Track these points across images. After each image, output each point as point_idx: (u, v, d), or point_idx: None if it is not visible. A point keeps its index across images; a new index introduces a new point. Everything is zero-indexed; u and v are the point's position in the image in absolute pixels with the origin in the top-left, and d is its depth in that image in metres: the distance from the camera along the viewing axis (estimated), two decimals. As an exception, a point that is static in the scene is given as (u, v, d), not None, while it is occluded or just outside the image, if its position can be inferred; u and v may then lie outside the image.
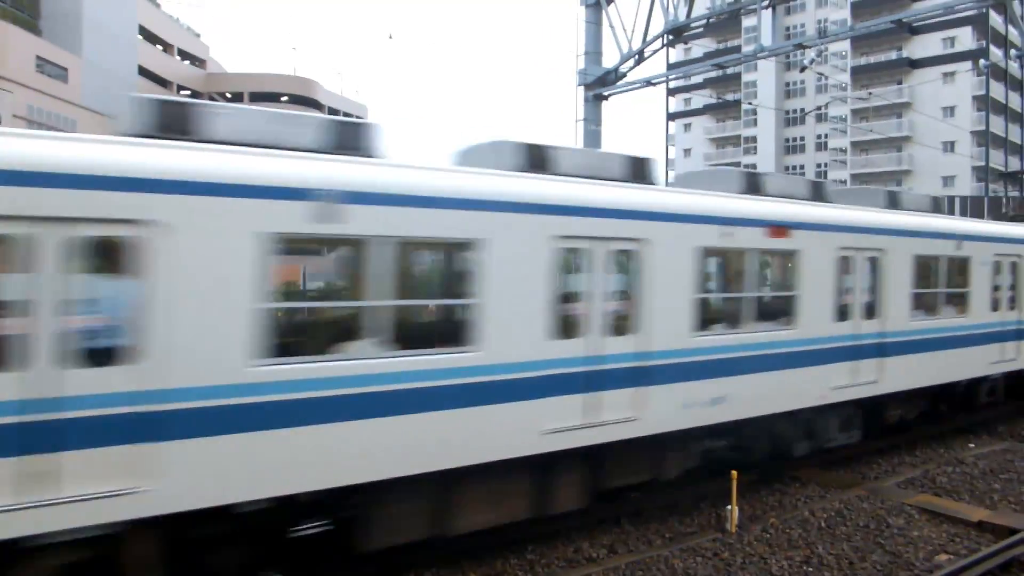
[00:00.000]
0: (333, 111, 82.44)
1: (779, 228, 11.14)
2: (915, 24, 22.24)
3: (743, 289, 10.96)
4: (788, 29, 74.93)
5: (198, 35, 76.89)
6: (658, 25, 22.42)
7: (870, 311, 12.77)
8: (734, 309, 10.98)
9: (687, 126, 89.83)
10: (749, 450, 11.61)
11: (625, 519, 10.58)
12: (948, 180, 68.31)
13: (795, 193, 12.41)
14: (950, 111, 68.28)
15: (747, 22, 70.76)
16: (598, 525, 10.32)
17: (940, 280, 14.23)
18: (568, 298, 9.22)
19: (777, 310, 11.58)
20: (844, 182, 74.59)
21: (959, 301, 14.78)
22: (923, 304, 13.87)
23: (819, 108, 71.76)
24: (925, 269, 13.87)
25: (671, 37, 22.66)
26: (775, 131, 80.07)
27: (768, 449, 11.87)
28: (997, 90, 71.08)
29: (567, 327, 9.07)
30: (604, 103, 23.60)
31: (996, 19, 69.92)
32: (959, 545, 9.91)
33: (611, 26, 23.12)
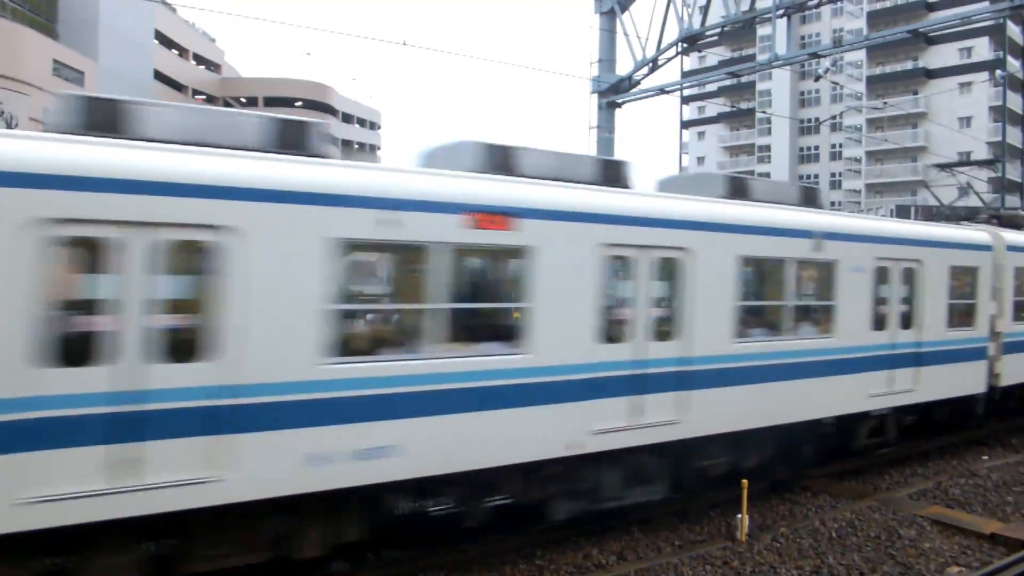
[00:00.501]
0: (347, 116, 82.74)
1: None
2: (931, 34, 22.15)
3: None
4: (803, 38, 74.80)
5: (213, 40, 77.38)
6: (672, 33, 22.44)
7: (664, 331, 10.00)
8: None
9: (701, 134, 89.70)
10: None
11: (635, 526, 10.55)
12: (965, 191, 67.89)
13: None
14: (966, 121, 67.95)
15: (762, 31, 70.69)
16: (607, 532, 10.30)
17: (787, 290, 11.35)
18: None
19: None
20: (858, 192, 74.32)
21: (821, 316, 11.93)
22: (758, 321, 11.20)
23: (834, 117, 71.54)
24: (762, 275, 11.47)
25: (685, 45, 22.66)
26: (789, 140, 79.89)
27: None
28: (1014, 101, 70.61)
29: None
30: (618, 111, 23.60)
31: (1013, 29, 69.57)
32: (971, 557, 9.84)
33: (625, 34, 23.14)
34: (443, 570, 8.93)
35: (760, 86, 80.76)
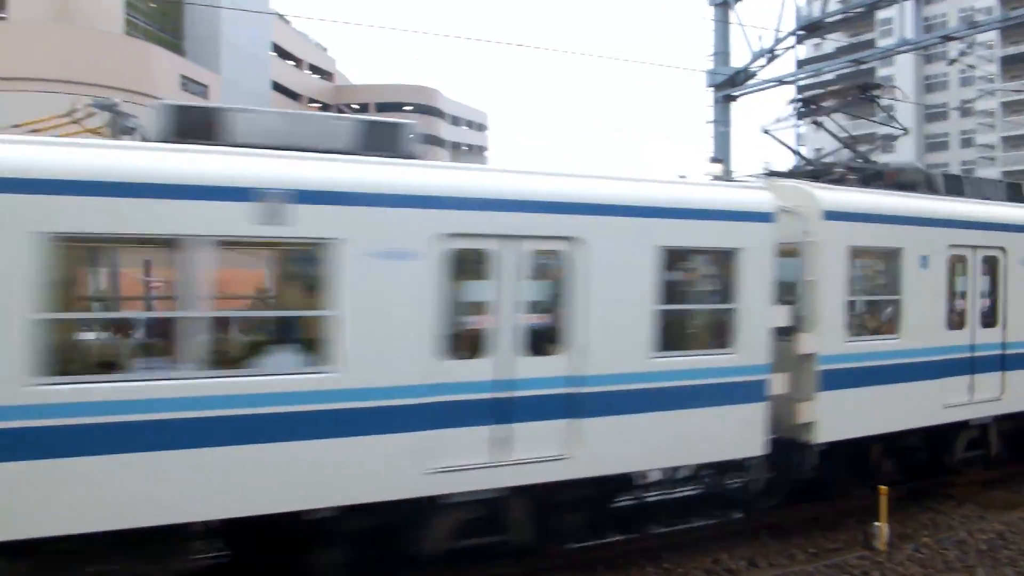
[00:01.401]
0: (455, 119, 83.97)
1: None
2: (1076, 8, 20.56)
3: None
4: (927, 19, 71.09)
5: (325, 49, 79.80)
6: (790, 21, 21.64)
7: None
8: None
9: (818, 124, 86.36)
10: None
11: (764, 531, 10.18)
12: (1110, 176, 63.09)
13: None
14: (1112, 102, 63.01)
15: (882, 14, 67.55)
16: (735, 536, 9.97)
17: None
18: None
19: None
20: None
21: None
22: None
23: (965, 102, 67.64)
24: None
25: (803, 33, 21.82)
26: (915, 128, 76.01)
27: None
28: None
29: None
30: (734, 104, 22.95)
31: None
32: None
33: (740, 24, 22.49)
34: (569, 568, 8.84)
35: (882, 72, 77.21)
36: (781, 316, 9.30)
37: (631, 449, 8.42)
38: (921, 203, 10.79)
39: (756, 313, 9.02)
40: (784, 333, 9.42)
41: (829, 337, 9.70)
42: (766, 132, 13.07)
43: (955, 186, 11.87)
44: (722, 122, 22.70)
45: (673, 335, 8.67)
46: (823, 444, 9.74)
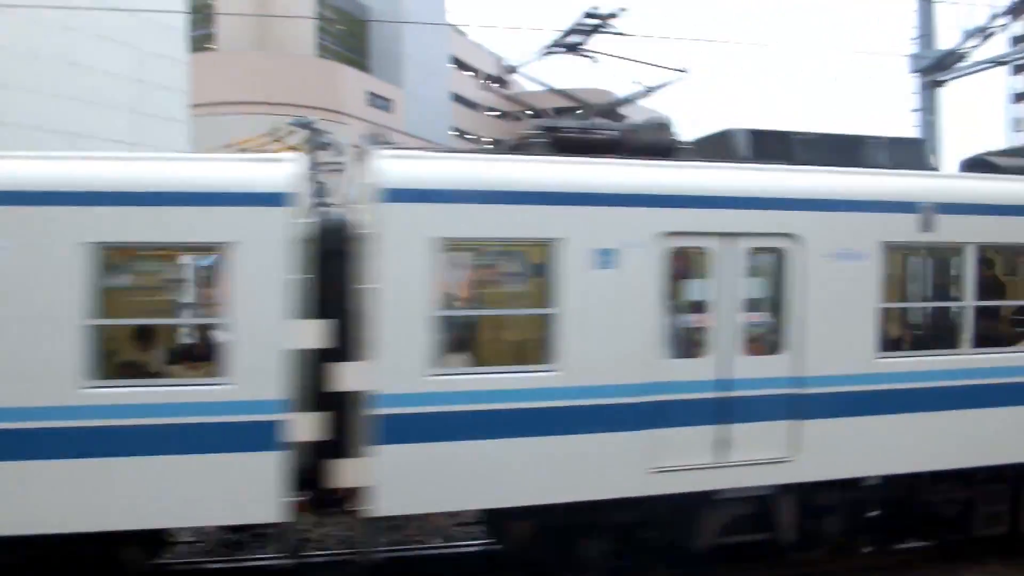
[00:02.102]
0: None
1: None
2: None
3: None
4: None
5: (500, 58, 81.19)
6: (1007, -6, 19.46)
7: None
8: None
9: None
10: None
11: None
12: None
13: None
14: None
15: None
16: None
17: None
18: None
19: None
20: None
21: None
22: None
23: None
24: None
25: (1020, 6, 19.59)
26: None
27: None
28: None
29: None
30: (941, 89, 20.95)
31: None
32: None
33: (948, 2, 20.53)
34: None
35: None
36: (308, 335, 6.83)
37: None
38: (597, 171, 7.58)
39: (261, 329, 6.70)
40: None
41: (399, 368, 6.91)
42: None
43: (770, 148, 8.48)
44: (929, 110, 20.80)
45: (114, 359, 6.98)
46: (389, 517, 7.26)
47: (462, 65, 69.62)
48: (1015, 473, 8.82)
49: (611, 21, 9.04)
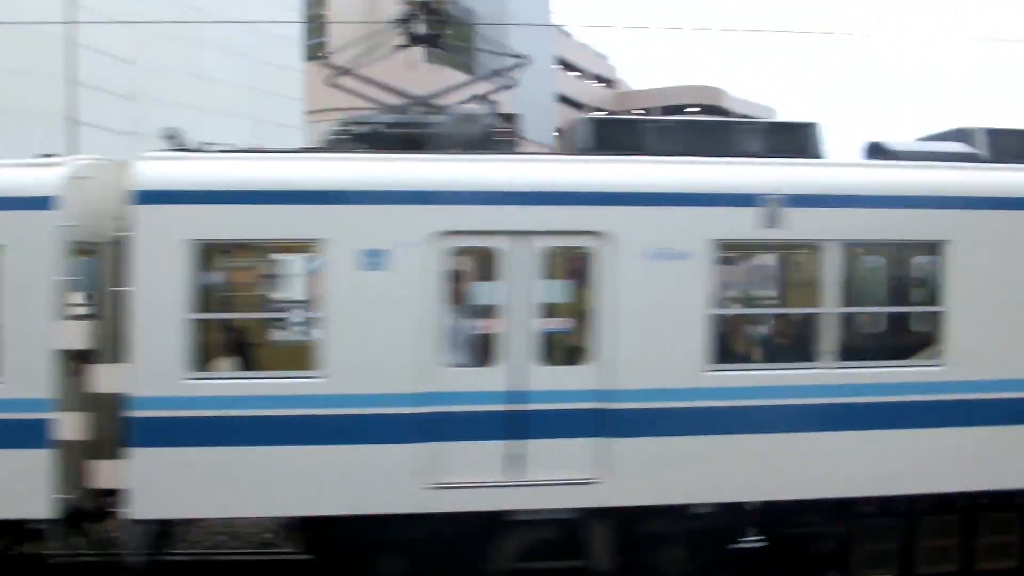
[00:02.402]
0: (743, 117, 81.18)
1: None
2: None
3: None
4: None
5: (605, 58, 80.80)
6: None
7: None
8: None
9: None
10: None
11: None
12: None
13: None
14: None
15: None
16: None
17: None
18: None
19: None
20: None
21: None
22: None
23: None
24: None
25: None
26: None
27: None
28: None
29: None
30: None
31: None
32: None
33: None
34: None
35: None
36: (71, 336, 6.88)
37: None
38: (366, 168, 7.24)
39: (29, 330, 6.76)
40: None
41: (153, 371, 6.82)
42: None
43: (616, 138, 7.79)
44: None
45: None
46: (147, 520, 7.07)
47: (567, 66, 69.62)
48: (910, 507, 7.70)
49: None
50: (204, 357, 7.01)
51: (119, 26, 17.48)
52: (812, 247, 7.61)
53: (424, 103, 8.18)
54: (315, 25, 47.23)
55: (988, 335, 7.40)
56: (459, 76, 50.49)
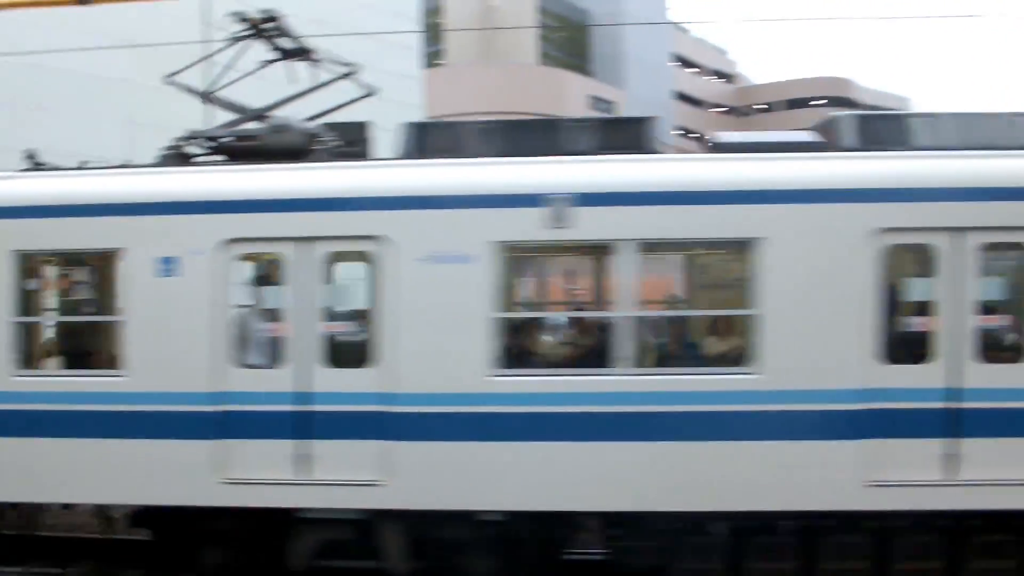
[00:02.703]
0: (871, 108, 77.76)
1: None
2: None
3: None
4: None
5: (724, 52, 79.10)
6: None
7: None
8: None
9: None
10: None
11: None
12: None
13: None
14: None
15: None
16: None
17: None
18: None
19: None
20: None
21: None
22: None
23: None
24: None
25: None
26: None
27: None
28: None
29: None
30: None
31: None
32: None
33: None
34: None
35: None
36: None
37: None
38: (159, 181, 7.65)
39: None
40: None
41: None
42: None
43: (436, 141, 7.71)
44: None
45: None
46: None
47: (685, 63, 68.61)
48: (736, 525, 7.08)
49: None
50: (30, 357, 7.72)
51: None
52: (604, 248, 7.32)
53: (259, 115, 8.14)
54: (432, 33, 48.64)
55: (805, 340, 6.87)
56: (574, 76, 50.74)
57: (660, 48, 61.07)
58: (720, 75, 75.05)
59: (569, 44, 58.20)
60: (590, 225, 6.95)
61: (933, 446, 6.72)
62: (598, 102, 52.81)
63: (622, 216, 6.97)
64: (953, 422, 6.72)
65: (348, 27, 21.80)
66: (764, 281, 6.81)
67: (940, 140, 7.23)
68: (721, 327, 7.64)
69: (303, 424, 7.13)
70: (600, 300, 8.30)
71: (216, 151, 8.00)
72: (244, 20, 8.05)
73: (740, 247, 7.05)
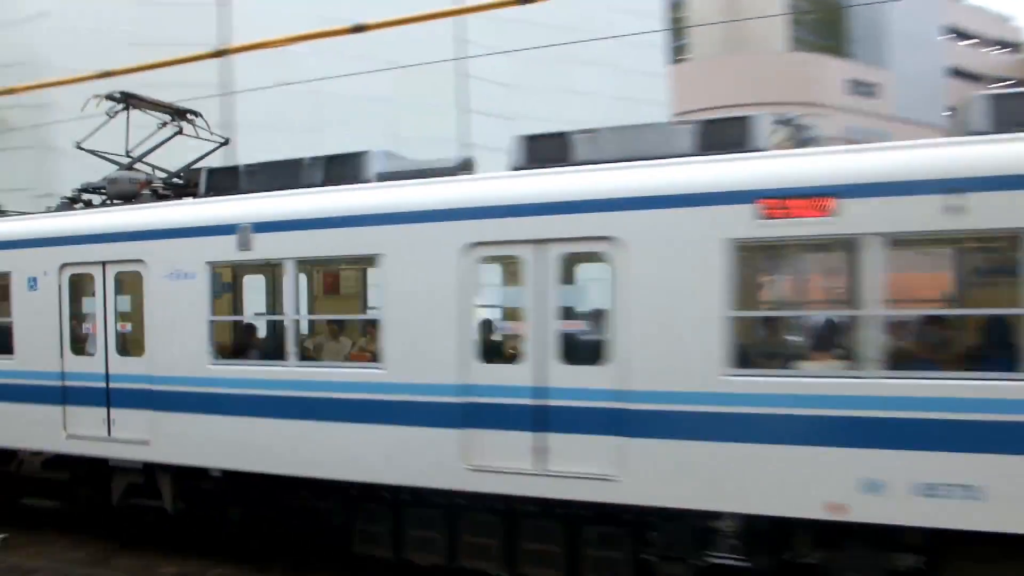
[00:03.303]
0: None
1: None
2: None
3: None
4: None
5: (1008, 20, 70.69)
6: None
7: None
8: None
9: None
10: None
11: None
12: None
13: None
14: None
15: None
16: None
17: None
18: None
19: None
20: None
21: None
22: None
23: None
24: None
25: None
26: None
27: None
28: None
29: None
30: None
31: None
32: None
33: None
34: None
35: None
36: None
37: None
38: (23, 224, 11.18)
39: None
40: None
41: None
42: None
43: (222, 182, 9.99)
44: None
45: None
46: None
47: (960, 34, 62.08)
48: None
49: None
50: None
51: (499, 55, 19.07)
52: (273, 265, 9.60)
53: (138, 159, 11.12)
54: (676, 28, 47.71)
55: (415, 342, 8.17)
56: (828, 60, 47.58)
57: (929, 20, 55.52)
58: (1004, 45, 67.07)
59: (824, 25, 54.65)
60: (263, 247, 9.14)
61: (525, 439, 7.62)
62: (858, 86, 49.09)
63: (284, 240, 9.00)
64: (541, 418, 7.56)
65: (595, 32, 22.10)
66: (385, 291, 8.40)
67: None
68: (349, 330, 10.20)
69: (105, 397, 9.96)
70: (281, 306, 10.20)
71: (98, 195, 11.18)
72: None
73: (368, 261, 9.43)
